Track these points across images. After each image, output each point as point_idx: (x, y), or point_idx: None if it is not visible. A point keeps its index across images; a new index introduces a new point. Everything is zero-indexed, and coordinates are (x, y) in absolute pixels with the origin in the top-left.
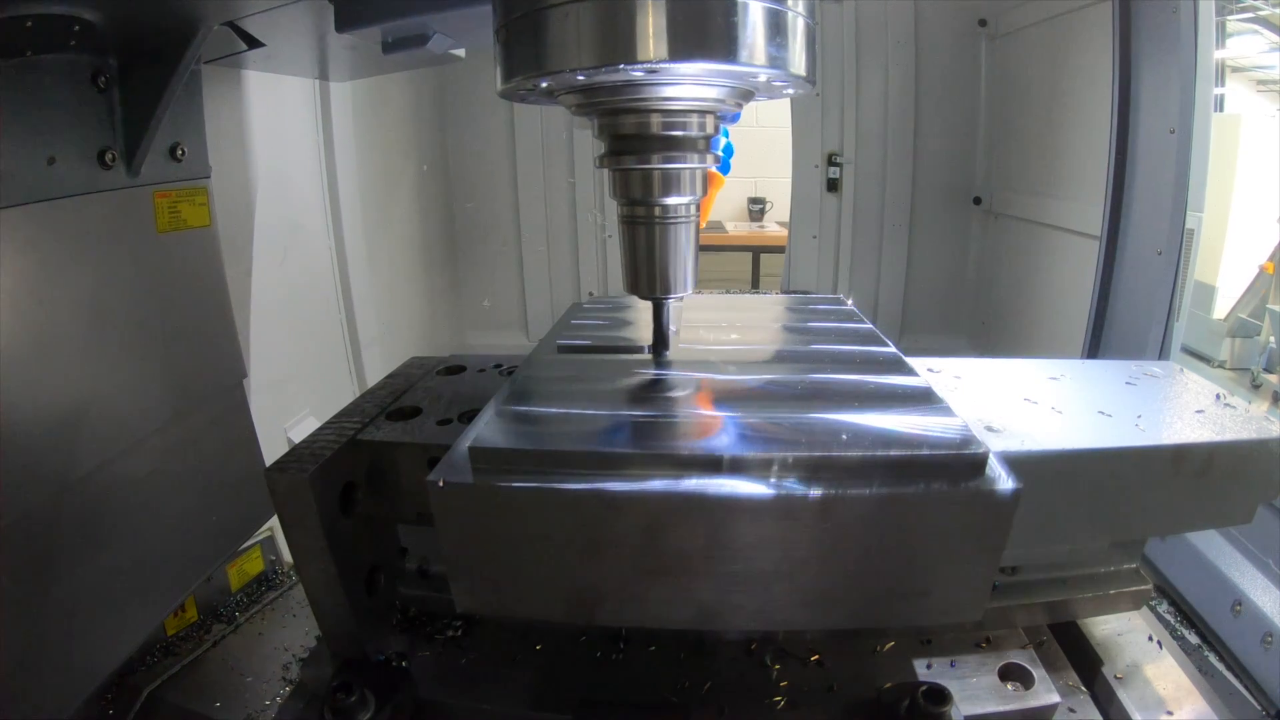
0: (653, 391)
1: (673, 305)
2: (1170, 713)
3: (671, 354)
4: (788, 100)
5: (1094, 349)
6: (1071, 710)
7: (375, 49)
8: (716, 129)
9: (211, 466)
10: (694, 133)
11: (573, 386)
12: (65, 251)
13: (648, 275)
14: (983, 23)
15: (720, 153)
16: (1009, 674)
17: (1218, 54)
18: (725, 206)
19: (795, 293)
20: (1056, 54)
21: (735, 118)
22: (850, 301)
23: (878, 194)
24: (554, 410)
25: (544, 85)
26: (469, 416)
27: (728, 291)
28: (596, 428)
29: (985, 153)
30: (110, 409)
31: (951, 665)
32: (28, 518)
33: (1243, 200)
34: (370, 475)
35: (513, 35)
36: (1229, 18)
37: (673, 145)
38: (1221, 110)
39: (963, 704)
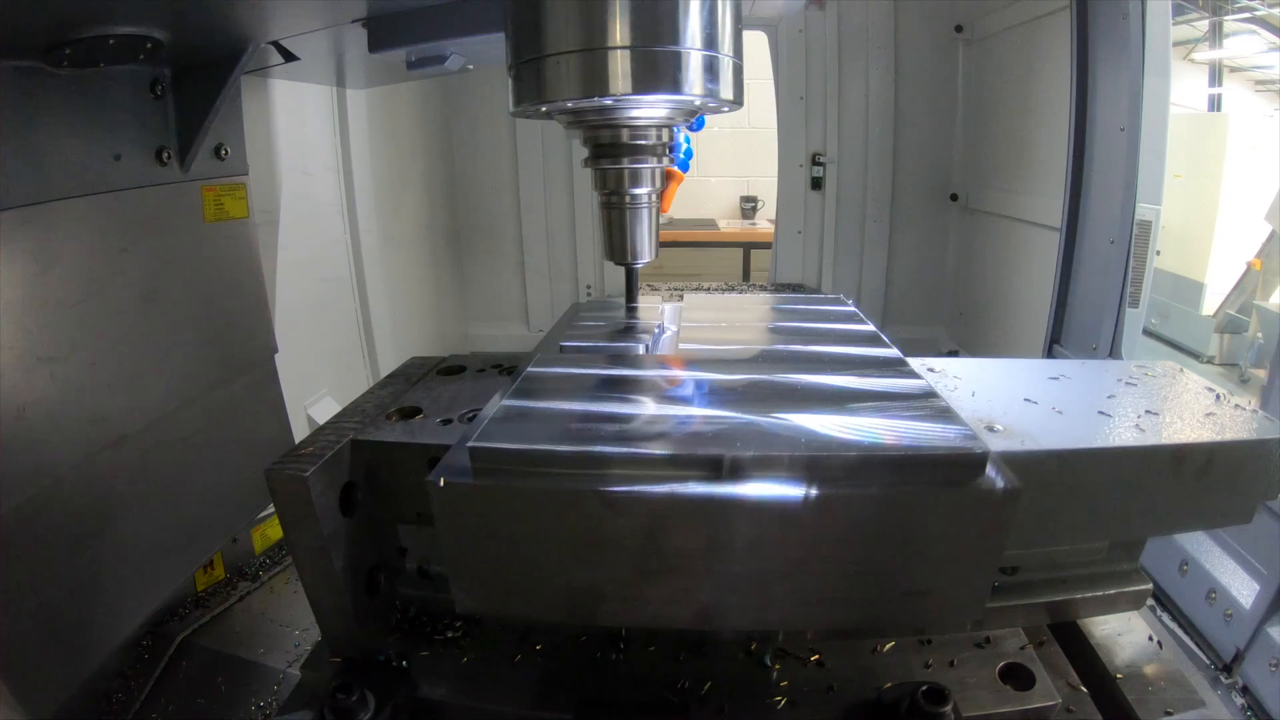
0: (653, 392)
1: (672, 306)
2: (1170, 712)
3: (672, 355)
4: (774, 102)
5: (1056, 334)
6: (1071, 710)
7: (391, 62)
8: (671, 138)
9: (245, 433)
10: (652, 141)
11: (573, 386)
12: (129, 235)
13: (620, 247)
14: (959, 28)
15: (680, 155)
16: (1009, 674)
17: (1215, 54)
18: (719, 205)
19: (783, 287)
20: (1026, 58)
21: (699, 125)
22: (850, 302)
23: (860, 191)
24: (555, 410)
25: (543, 109)
26: (469, 417)
27: (728, 286)
28: (597, 428)
29: (961, 151)
30: (162, 374)
31: (951, 665)
32: (86, 468)
33: (1231, 198)
34: (370, 475)
35: (522, 73)
36: (1227, 18)
37: (636, 151)
38: (1220, 110)
39: (963, 704)
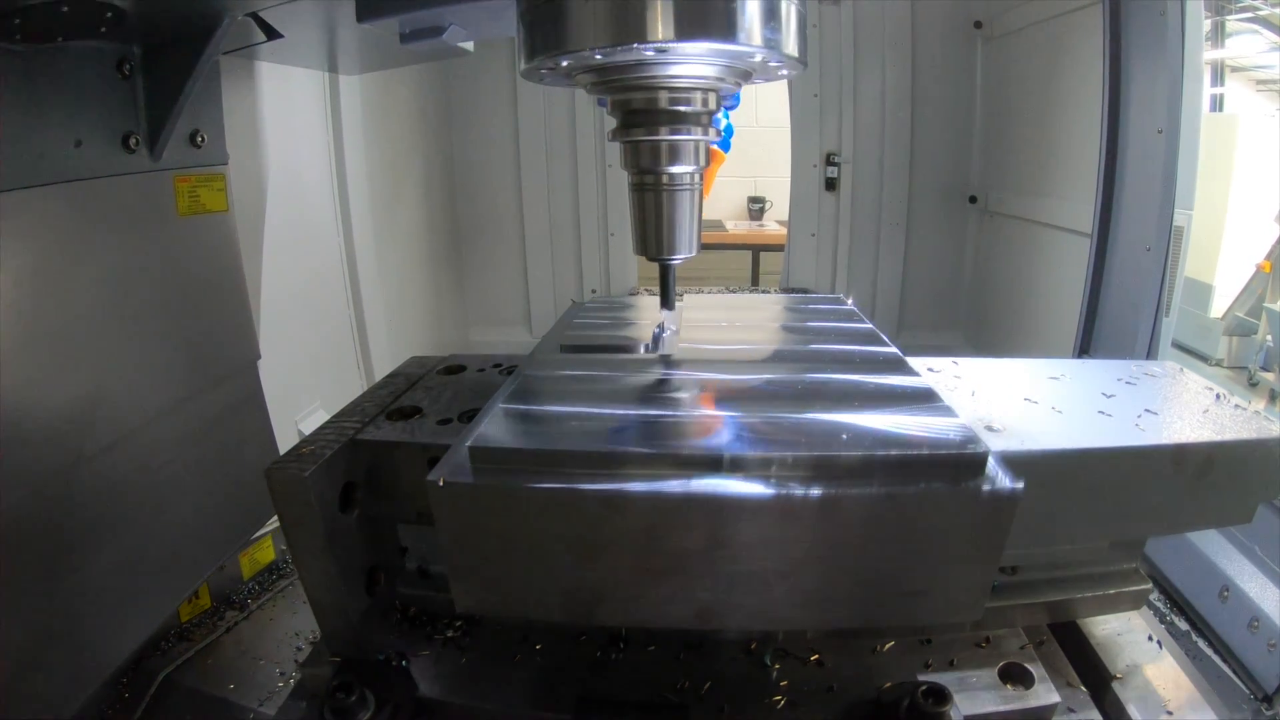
0: (653, 391)
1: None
2: (1170, 713)
3: (672, 354)
4: (787, 100)
5: (1085, 343)
6: (1071, 710)
7: (385, 42)
8: (718, 105)
9: (227, 450)
10: (697, 108)
11: (573, 386)
12: (91, 230)
13: (655, 238)
14: (978, 24)
15: (721, 130)
16: (1009, 674)
17: (1217, 54)
18: (726, 206)
19: (795, 291)
20: (1050, 56)
21: (735, 101)
22: (850, 301)
23: (875, 193)
24: (555, 410)
25: (564, 64)
26: (469, 416)
27: (729, 290)
28: (597, 427)
29: (980, 152)
30: (129, 384)
31: (951, 665)
32: (41, 493)
33: (1240, 200)
34: (370, 475)
35: (535, 18)
36: (1228, 18)
37: (678, 119)
38: (1221, 110)
39: (963, 704)
